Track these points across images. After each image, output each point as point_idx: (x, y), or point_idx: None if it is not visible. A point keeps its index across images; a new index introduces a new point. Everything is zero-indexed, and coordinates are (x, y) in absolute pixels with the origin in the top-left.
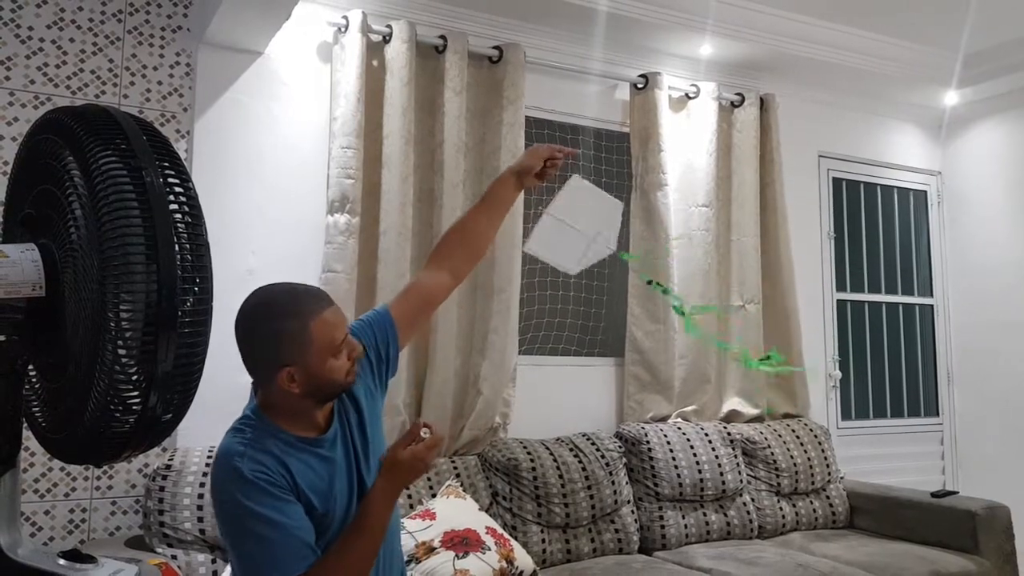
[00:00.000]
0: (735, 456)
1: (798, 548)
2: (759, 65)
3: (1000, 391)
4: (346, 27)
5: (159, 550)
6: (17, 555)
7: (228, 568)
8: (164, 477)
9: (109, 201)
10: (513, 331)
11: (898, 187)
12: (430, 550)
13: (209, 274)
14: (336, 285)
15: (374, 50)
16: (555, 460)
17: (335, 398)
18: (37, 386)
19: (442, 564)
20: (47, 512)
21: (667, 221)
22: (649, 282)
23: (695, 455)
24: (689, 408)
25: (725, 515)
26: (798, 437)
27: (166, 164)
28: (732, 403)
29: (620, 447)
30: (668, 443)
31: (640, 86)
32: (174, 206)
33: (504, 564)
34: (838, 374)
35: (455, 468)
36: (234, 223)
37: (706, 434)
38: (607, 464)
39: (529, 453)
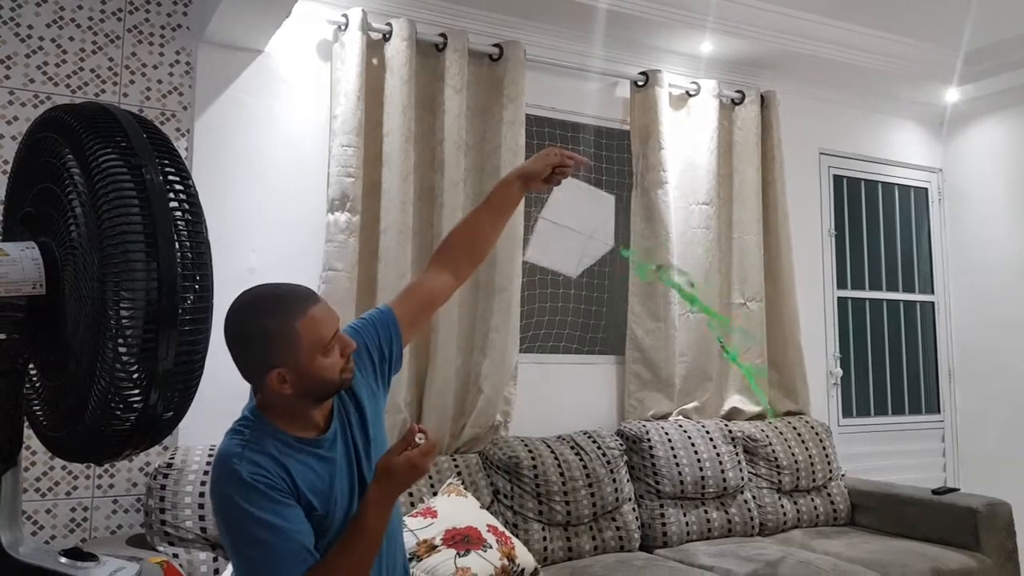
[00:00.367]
0: (736, 453)
1: (799, 545)
2: (760, 62)
3: (1001, 388)
4: (346, 25)
5: (160, 548)
6: (19, 553)
7: (229, 567)
8: (165, 475)
9: (109, 199)
10: (514, 329)
11: (899, 184)
12: (431, 548)
13: (210, 272)
14: (336, 284)
15: (374, 48)
16: (556, 458)
17: (331, 396)
18: (38, 384)
19: (443, 562)
20: (48, 511)
21: (668, 219)
22: (658, 268)
23: (696, 453)
24: (690, 406)
25: (726, 512)
26: (799, 434)
27: (166, 162)
28: (733, 400)
29: (621, 445)
30: (669, 441)
31: (640, 84)
32: (174, 204)
33: (505, 562)
34: (839, 371)
35: (456, 466)
36: (234, 221)
37: (707, 432)
38: (608, 462)
39: (530, 451)
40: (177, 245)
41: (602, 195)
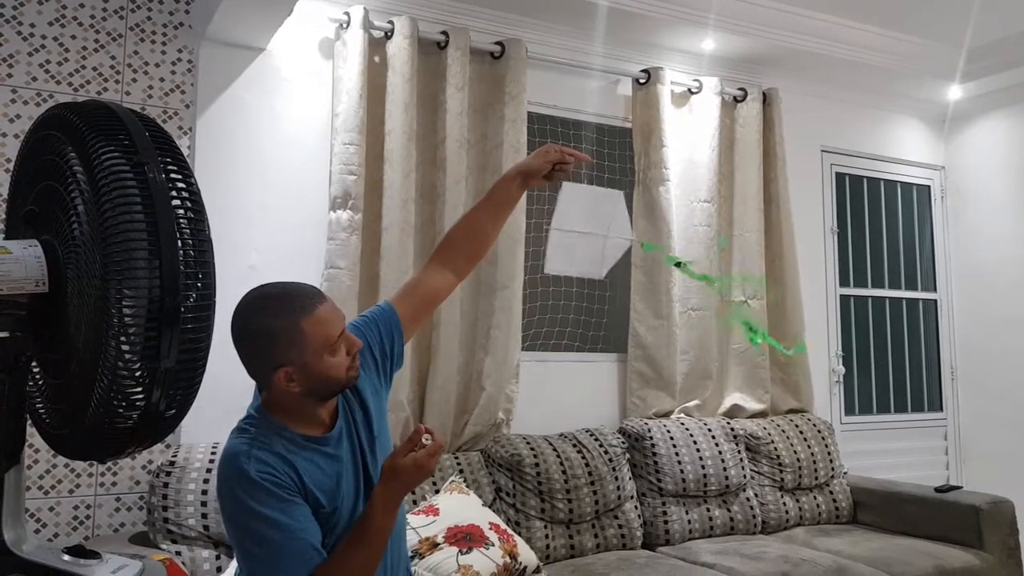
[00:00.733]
0: (738, 451)
1: (801, 543)
2: (762, 60)
3: (1004, 385)
4: (348, 23)
5: (163, 546)
6: (22, 551)
7: (231, 564)
8: (168, 473)
9: (112, 197)
10: (516, 327)
11: (901, 182)
12: (434, 546)
13: (212, 270)
14: (338, 281)
15: (376, 46)
16: (558, 456)
17: (337, 395)
18: (40, 382)
19: (446, 560)
20: (52, 508)
21: (669, 217)
22: (678, 264)
23: (698, 450)
24: (692, 403)
25: (728, 510)
26: (801, 432)
27: (168, 160)
28: (734, 398)
29: (623, 443)
30: (671, 438)
31: (642, 81)
32: (176, 202)
33: (507, 559)
34: (841, 369)
35: (458, 464)
36: (236, 219)
37: (709, 429)
38: (610, 460)
39: (532, 449)
40: (179, 243)
41: (610, 193)
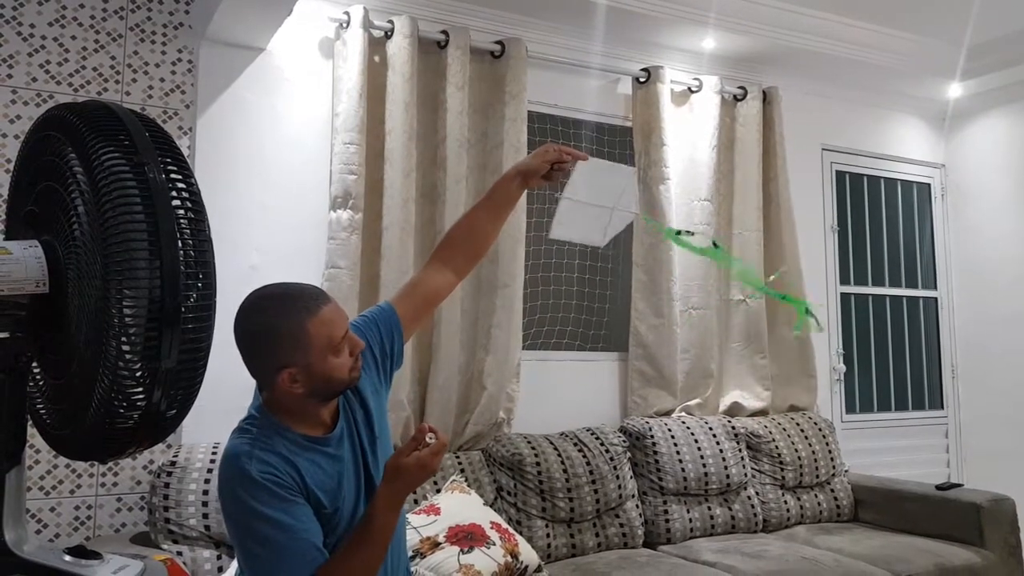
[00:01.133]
0: (739, 450)
1: (803, 541)
2: (762, 58)
3: (1005, 383)
4: (348, 23)
5: (164, 546)
6: (23, 551)
7: (232, 564)
8: (169, 474)
9: (112, 197)
10: (517, 326)
11: (902, 180)
12: (435, 545)
13: (212, 270)
14: (339, 281)
15: (376, 46)
16: (559, 455)
17: (340, 395)
18: (41, 383)
19: (447, 559)
20: (53, 509)
21: (670, 215)
22: (679, 233)
23: (699, 449)
24: (693, 402)
25: (730, 509)
26: (802, 431)
27: (168, 160)
28: (735, 396)
29: (624, 442)
30: (672, 437)
31: (642, 80)
32: (177, 202)
33: (509, 559)
34: (842, 367)
35: (459, 463)
36: (237, 219)
37: (710, 428)
38: (611, 459)
39: (533, 448)
40: (180, 243)
41: (622, 168)
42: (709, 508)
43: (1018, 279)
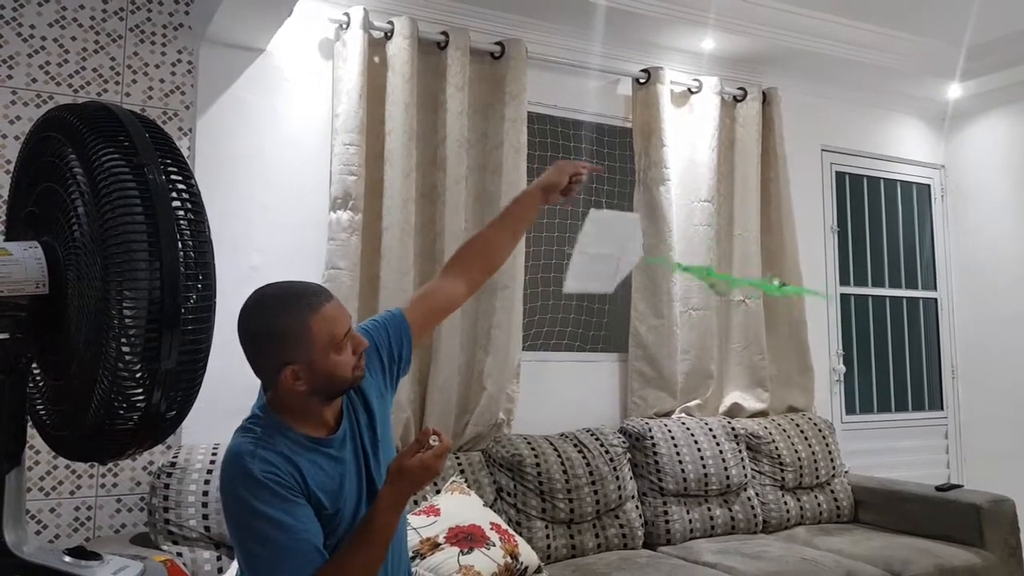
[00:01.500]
0: (739, 451)
1: (803, 542)
2: (762, 59)
3: (1004, 384)
4: (348, 24)
5: (164, 547)
6: (23, 552)
7: (232, 565)
8: (169, 474)
9: (112, 198)
10: (517, 327)
11: (901, 181)
12: (435, 546)
13: (212, 271)
14: (339, 282)
15: (376, 46)
16: (559, 456)
17: (343, 395)
18: (41, 384)
19: (447, 560)
20: (52, 510)
21: (670, 216)
22: (685, 269)
23: (699, 450)
24: (692, 403)
25: (729, 510)
26: (802, 431)
27: (168, 161)
28: (733, 397)
29: (624, 442)
30: (672, 438)
31: (642, 81)
32: (177, 203)
33: (508, 560)
34: (842, 368)
35: (459, 464)
36: (237, 220)
37: (710, 429)
38: (611, 459)
39: (533, 449)
40: (180, 244)
41: (627, 216)
42: (709, 509)
43: (1018, 279)
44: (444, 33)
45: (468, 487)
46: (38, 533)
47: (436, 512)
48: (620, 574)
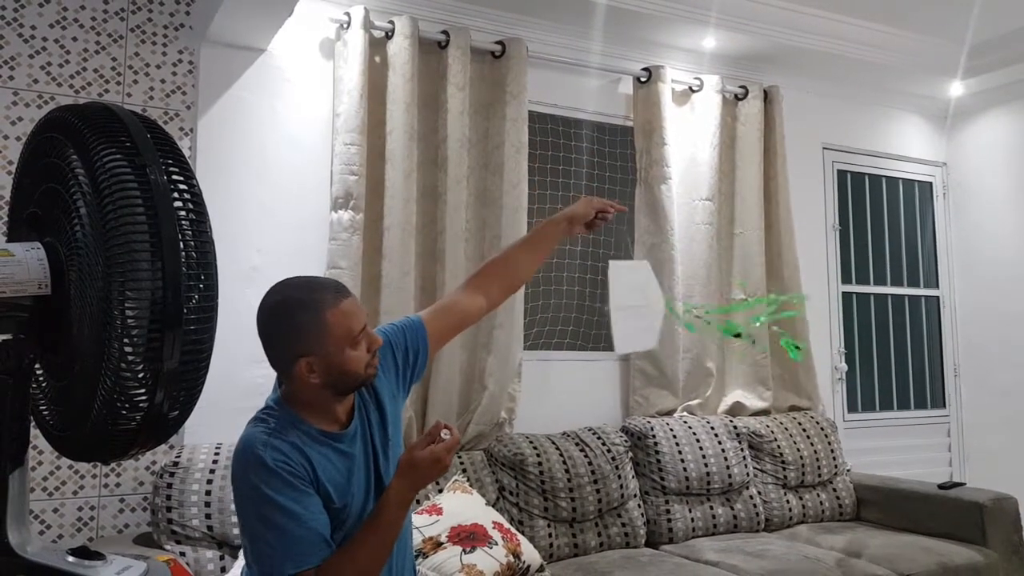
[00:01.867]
0: (741, 449)
1: (805, 541)
2: (763, 57)
3: (1007, 382)
4: (348, 23)
5: (167, 547)
6: (26, 552)
7: (236, 565)
8: (171, 474)
9: (114, 199)
10: (518, 326)
11: (903, 179)
12: (437, 545)
13: (214, 271)
14: (340, 281)
15: (376, 46)
16: (561, 455)
17: (355, 391)
18: (44, 384)
19: (449, 559)
20: (56, 510)
21: (671, 215)
22: (737, 335)
23: (701, 449)
24: (694, 402)
25: (732, 508)
26: (804, 430)
27: (170, 161)
28: (735, 395)
29: (626, 441)
30: (674, 437)
31: (643, 80)
32: (178, 204)
33: (511, 558)
34: (844, 367)
35: (461, 463)
36: (238, 220)
37: (712, 428)
38: (613, 458)
39: (535, 448)
40: (182, 245)
41: (638, 263)
42: (711, 507)
43: (1020, 277)
44: (445, 32)
45: (470, 486)
46: (41, 533)
47: (438, 511)
48: (622, 573)
